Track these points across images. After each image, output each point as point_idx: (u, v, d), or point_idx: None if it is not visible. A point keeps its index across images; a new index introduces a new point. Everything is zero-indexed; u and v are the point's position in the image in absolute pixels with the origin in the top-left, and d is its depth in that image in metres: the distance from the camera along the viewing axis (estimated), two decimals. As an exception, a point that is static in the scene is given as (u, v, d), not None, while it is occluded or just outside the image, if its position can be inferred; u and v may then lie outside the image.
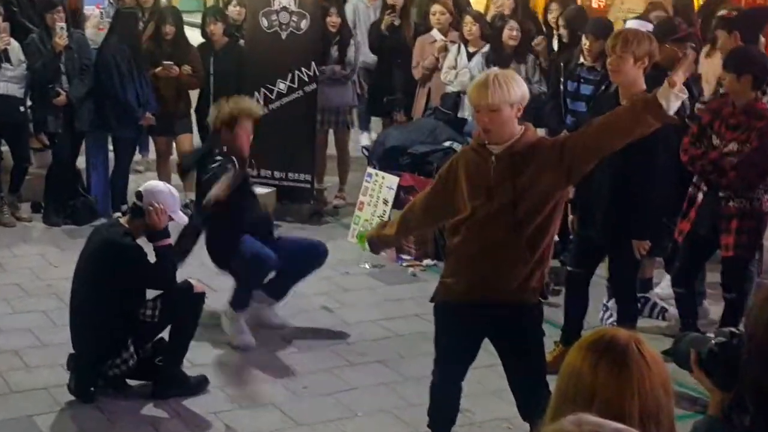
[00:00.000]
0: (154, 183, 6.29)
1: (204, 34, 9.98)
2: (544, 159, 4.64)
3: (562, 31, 8.84)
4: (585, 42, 7.82)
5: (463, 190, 4.82)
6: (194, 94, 9.97)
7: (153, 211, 5.94)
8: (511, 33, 9.11)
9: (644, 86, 5.75)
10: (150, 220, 5.95)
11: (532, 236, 4.72)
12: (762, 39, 8.26)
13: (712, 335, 2.81)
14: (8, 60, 8.92)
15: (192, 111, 9.91)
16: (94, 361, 5.99)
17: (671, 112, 4.53)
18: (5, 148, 9.45)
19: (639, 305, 7.07)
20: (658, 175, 6.14)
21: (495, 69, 5.68)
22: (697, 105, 6.97)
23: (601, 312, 7.16)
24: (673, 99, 4.49)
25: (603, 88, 7.21)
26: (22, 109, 9.14)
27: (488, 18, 10.11)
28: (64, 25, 8.93)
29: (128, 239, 5.96)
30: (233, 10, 10.35)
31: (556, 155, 4.63)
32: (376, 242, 5.49)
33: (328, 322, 7.37)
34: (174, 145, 9.79)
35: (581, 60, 7.97)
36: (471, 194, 4.78)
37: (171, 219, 6.05)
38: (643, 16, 8.17)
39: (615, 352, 2.35)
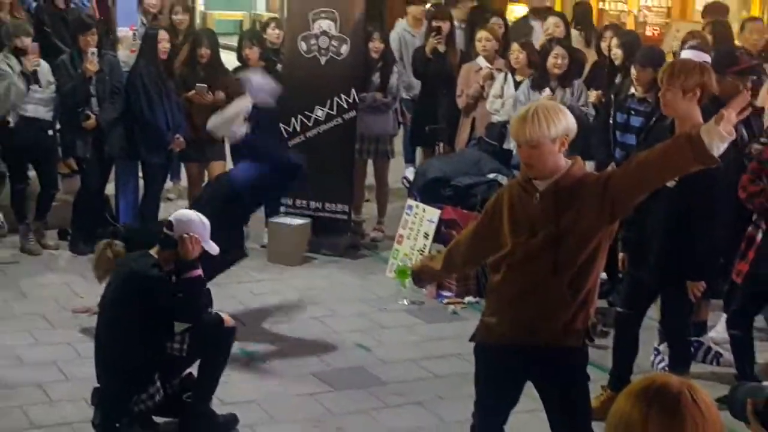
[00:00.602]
0: (186, 212, 6.33)
1: (240, 57, 10.04)
2: (588, 195, 4.61)
3: (616, 52, 8.85)
4: (633, 72, 7.84)
5: (506, 226, 4.81)
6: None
7: (187, 241, 5.99)
8: (556, 61, 9.06)
9: (701, 120, 5.59)
10: (183, 249, 5.99)
11: (576, 277, 4.69)
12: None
13: None
14: (37, 81, 9.05)
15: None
16: (120, 396, 6.01)
17: (715, 152, 4.36)
18: (32, 173, 9.54)
19: (692, 349, 7.04)
20: (715, 212, 6.12)
21: (539, 101, 5.66)
22: (755, 145, 6.92)
23: (652, 356, 7.12)
24: (716, 138, 4.33)
25: (654, 120, 7.17)
26: (50, 132, 9.28)
27: (538, 44, 10.17)
28: (95, 50, 9.04)
29: (156, 271, 6.01)
30: (272, 33, 10.39)
31: (599, 191, 4.59)
32: (420, 275, 5.52)
33: (364, 361, 7.36)
34: (206, 172, 9.84)
35: (632, 91, 7.97)
36: (513, 230, 4.77)
37: (202, 249, 6.10)
38: (698, 46, 8.14)
39: (667, 400, 2.33)
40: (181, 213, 6.27)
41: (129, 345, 5.95)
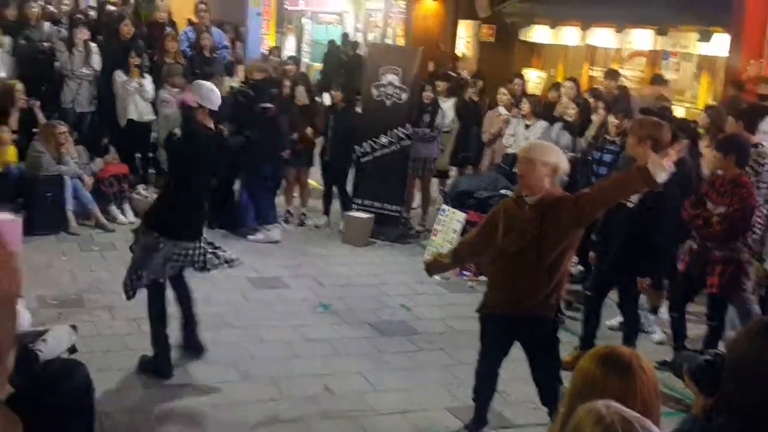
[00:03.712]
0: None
1: (330, 98, 10.09)
2: (563, 208, 4.64)
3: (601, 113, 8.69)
4: (614, 120, 7.71)
5: (501, 230, 4.82)
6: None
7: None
8: (565, 110, 9.13)
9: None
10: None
11: (550, 267, 4.70)
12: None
13: (700, 355, 2.77)
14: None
15: (315, 151, 10.07)
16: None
17: (659, 180, 4.42)
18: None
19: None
20: (661, 229, 6.07)
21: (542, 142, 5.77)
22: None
23: (611, 321, 7.09)
24: (659, 169, 4.40)
25: (620, 156, 7.04)
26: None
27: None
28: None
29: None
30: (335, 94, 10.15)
31: (571, 206, 4.62)
32: (432, 266, 5.45)
33: (406, 317, 7.38)
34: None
35: (606, 136, 7.90)
36: (506, 233, 4.79)
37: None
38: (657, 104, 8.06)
39: (622, 365, 2.34)
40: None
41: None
